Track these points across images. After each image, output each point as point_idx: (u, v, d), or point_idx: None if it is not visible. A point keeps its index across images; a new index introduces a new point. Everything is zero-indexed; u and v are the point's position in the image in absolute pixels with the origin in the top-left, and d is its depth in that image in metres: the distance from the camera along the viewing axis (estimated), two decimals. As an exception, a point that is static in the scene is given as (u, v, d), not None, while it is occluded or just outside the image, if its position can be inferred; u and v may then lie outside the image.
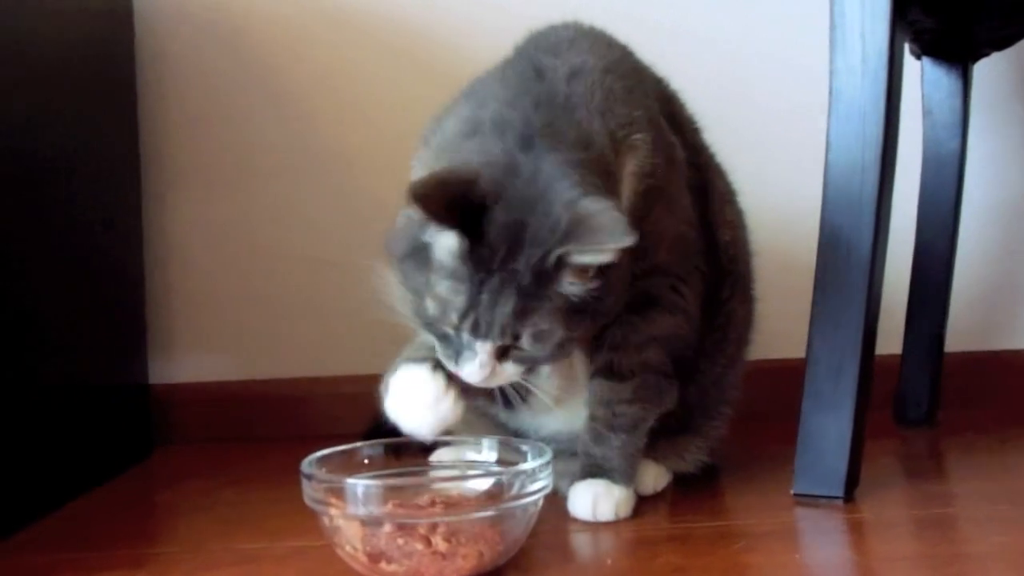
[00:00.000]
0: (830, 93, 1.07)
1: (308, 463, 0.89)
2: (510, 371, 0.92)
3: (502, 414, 1.10)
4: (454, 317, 0.89)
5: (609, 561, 0.91)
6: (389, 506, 0.85)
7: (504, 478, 0.87)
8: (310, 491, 0.86)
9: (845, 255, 1.05)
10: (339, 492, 0.85)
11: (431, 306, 0.90)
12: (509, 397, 0.99)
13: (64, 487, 1.18)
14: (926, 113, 1.46)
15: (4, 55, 1.10)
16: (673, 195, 1.02)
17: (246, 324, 1.56)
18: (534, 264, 0.87)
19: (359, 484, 0.85)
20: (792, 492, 1.06)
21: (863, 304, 1.05)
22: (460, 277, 0.88)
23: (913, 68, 1.45)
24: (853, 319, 1.05)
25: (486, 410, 1.10)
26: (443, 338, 0.92)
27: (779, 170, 1.50)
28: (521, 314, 0.88)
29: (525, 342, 0.90)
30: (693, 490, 1.11)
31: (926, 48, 1.44)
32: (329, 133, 1.55)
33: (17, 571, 0.94)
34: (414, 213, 0.87)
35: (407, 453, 1.00)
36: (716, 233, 1.09)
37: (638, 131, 0.97)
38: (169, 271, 1.54)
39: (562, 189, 0.87)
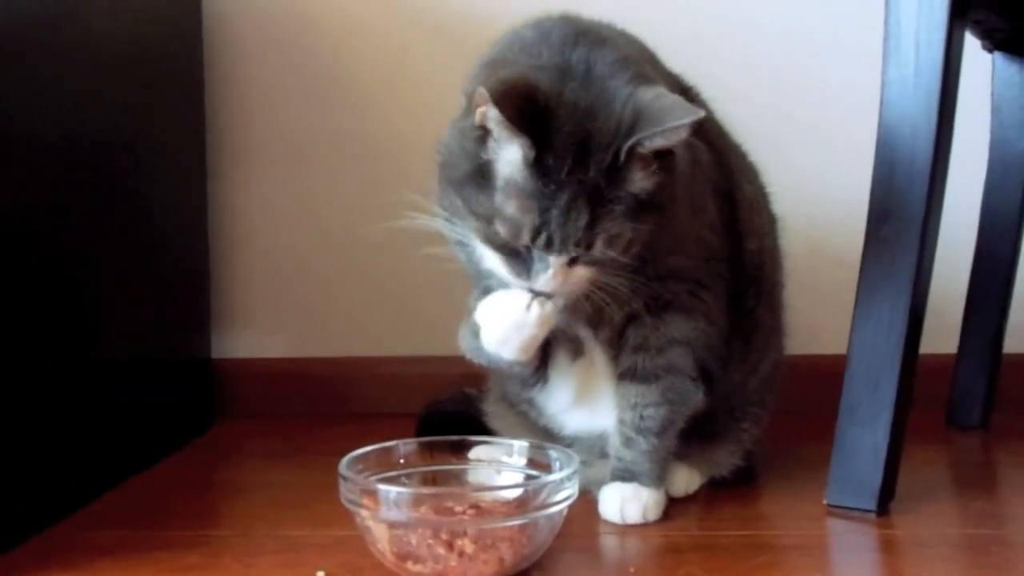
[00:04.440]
0: (880, 103, 1.05)
1: (345, 463, 0.93)
2: (580, 274, 0.91)
3: (532, 413, 1.14)
4: (526, 236, 0.88)
5: (632, 569, 0.94)
6: (421, 510, 0.89)
7: (531, 487, 0.90)
8: (345, 491, 0.90)
9: (888, 272, 1.04)
10: (372, 494, 0.89)
11: (501, 228, 0.88)
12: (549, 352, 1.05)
13: (127, 461, 1.24)
14: (995, 110, 1.42)
15: (79, 44, 1.14)
16: (696, 198, 1.01)
17: (306, 303, 1.61)
18: (605, 168, 0.86)
19: (391, 490, 0.89)
20: (824, 502, 1.07)
21: (904, 323, 1.03)
22: (529, 193, 0.86)
23: (984, 63, 1.41)
24: (893, 335, 1.04)
25: (519, 399, 1.14)
26: (512, 255, 0.91)
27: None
28: (593, 223, 0.87)
29: (598, 248, 0.89)
30: (726, 494, 1.13)
31: (999, 44, 1.39)
32: (388, 119, 1.58)
33: (77, 550, 0.99)
34: (482, 118, 0.85)
35: (442, 451, 1.03)
36: (743, 241, 1.08)
37: None
38: (232, 249, 1.60)
39: (616, 87, 0.87)
